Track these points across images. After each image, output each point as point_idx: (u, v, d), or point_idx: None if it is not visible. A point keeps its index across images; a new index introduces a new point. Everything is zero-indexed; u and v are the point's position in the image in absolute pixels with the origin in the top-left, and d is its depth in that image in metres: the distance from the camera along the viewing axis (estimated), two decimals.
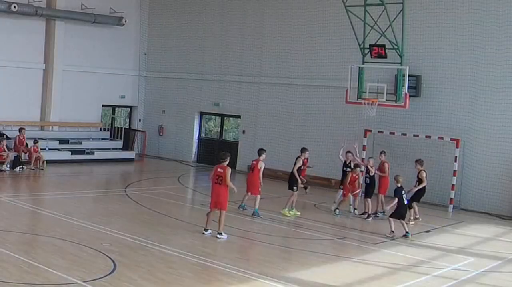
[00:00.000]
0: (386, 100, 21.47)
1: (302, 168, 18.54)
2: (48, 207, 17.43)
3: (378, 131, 22.99)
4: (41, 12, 26.49)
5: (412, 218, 18.12)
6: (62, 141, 27.37)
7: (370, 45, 21.87)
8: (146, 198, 19.64)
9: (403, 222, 16.18)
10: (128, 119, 31.96)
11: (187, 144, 29.94)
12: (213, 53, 28.90)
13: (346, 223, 18.13)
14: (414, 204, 18.26)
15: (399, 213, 16.09)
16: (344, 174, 19.36)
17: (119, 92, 30.59)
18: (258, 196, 17.78)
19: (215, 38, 28.82)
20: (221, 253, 13.81)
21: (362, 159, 21.38)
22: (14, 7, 25.27)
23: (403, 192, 16.15)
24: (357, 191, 18.49)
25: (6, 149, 23.47)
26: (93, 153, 27.52)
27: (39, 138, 25.12)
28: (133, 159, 28.90)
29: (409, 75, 21.31)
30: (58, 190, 20.84)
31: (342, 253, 14.42)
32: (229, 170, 14.59)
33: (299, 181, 18.34)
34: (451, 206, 21.23)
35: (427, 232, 17.43)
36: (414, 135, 22.14)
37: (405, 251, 14.90)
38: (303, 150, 18.89)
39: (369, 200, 18.30)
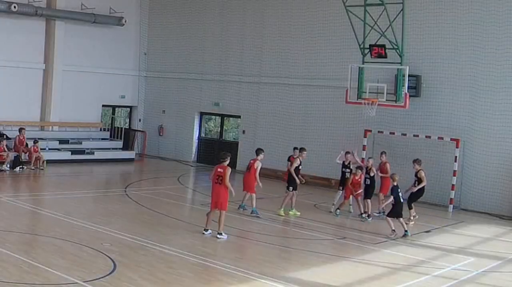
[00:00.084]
0: (386, 100, 21.47)
1: (300, 167, 18.43)
2: (48, 207, 17.43)
3: (378, 131, 22.99)
4: (41, 12, 26.49)
5: (412, 217, 18.13)
6: (62, 141, 27.37)
7: (370, 45, 21.87)
8: (146, 198, 19.65)
9: (402, 220, 16.19)
10: (128, 119, 31.97)
11: (187, 144, 29.95)
12: (213, 53, 28.90)
13: (346, 223, 18.14)
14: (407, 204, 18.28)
15: (396, 212, 16.11)
16: (343, 174, 19.31)
17: (119, 92, 30.60)
18: (254, 195, 17.80)
19: (215, 38, 28.82)
20: (221, 253, 13.81)
21: (362, 159, 21.38)
22: (14, 7, 25.27)
23: (399, 190, 16.16)
24: (359, 191, 18.36)
25: (6, 149, 23.47)
26: (93, 153, 27.53)
27: (39, 138, 25.12)
28: (133, 159, 28.91)
29: (409, 75, 21.31)
30: (58, 190, 20.84)
31: (342, 253, 14.42)
32: (229, 170, 14.59)
33: (297, 180, 18.28)
34: (451, 206, 21.23)
35: (427, 232, 17.43)
36: (414, 135, 22.14)
37: (405, 251, 14.90)
38: (302, 149, 18.81)
39: (369, 200, 18.27)
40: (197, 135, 30.06)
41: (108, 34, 29.51)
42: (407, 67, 21.21)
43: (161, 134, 30.62)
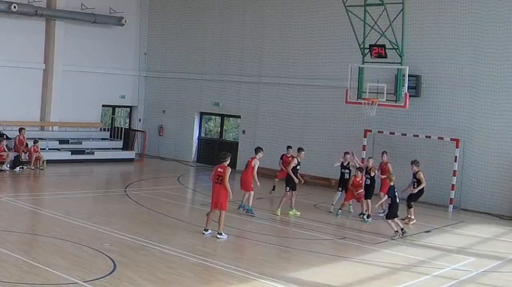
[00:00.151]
0: (386, 100, 21.46)
1: (297, 168, 18.39)
2: (48, 207, 17.43)
3: (378, 131, 22.99)
4: (41, 12, 26.49)
5: (412, 217, 18.13)
6: (62, 141, 27.37)
7: (370, 45, 21.86)
8: (146, 198, 19.64)
9: (397, 221, 16.20)
10: (128, 119, 31.97)
11: (187, 144, 29.95)
12: (213, 53, 28.90)
13: (346, 223, 18.14)
14: (406, 204, 18.28)
15: (393, 213, 16.08)
16: (342, 175, 19.25)
17: (119, 92, 30.60)
18: (252, 193, 17.83)
19: (215, 38, 28.82)
20: (221, 253, 13.81)
21: (362, 159, 21.38)
22: (14, 7, 25.27)
23: (396, 190, 16.16)
24: (360, 191, 18.29)
25: (6, 149, 23.47)
26: (93, 153, 27.53)
27: (39, 138, 25.12)
28: (133, 159, 28.91)
29: (409, 75, 21.30)
30: (58, 190, 20.84)
31: (342, 253, 14.42)
32: (229, 170, 14.59)
33: (296, 180, 18.20)
34: (451, 206, 21.23)
35: (427, 232, 17.43)
36: (414, 136, 22.14)
37: (405, 251, 14.90)
38: (300, 149, 18.77)
39: (369, 200, 18.25)
40: (197, 135, 30.06)
41: (108, 34, 29.51)
42: (407, 67, 21.21)
43: (161, 134, 30.62)
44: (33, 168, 23.86)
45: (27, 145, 24.45)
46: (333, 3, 23.70)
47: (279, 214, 18.02)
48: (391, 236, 15.98)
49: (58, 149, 26.71)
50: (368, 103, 21.57)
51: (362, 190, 18.27)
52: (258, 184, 17.80)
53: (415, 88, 22.13)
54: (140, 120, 31.52)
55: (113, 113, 31.35)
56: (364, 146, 22.94)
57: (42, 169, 23.94)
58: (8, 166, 23.30)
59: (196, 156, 29.90)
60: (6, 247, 12.31)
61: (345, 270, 13.01)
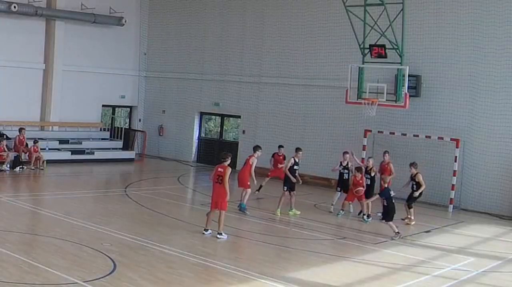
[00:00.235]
0: (386, 100, 21.46)
1: (295, 168, 18.38)
2: (48, 207, 17.43)
3: (378, 131, 22.99)
4: (41, 12, 26.49)
5: (412, 217, 18.12)
6: (62, 141, 27.38)
7: (370, 45, 21.86)
8: (146, 198, 19.64)
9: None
10: (128, 119, 31.97)
11: (187, 144, 29.95)
12: (213, 53, 28.90)
13: (346, 223, 18.13)
14: (407, 204, 18.28)
15: (391, 215, 16.05)
16: (341, 175, 19.18)
17: (119, 92, 30.60)
18: (248, 190, 17.89)
19: (215, 38, 28.82)
20: (221, 253, 13.82)
21: (362, 159, 21.37)
22: (14, 7, 25.27)
23: (390, 192, 16.15)
24: (358, 189, 18.22)
25: (6, 149, 23.47)
26: (93, 153, 27.53)
27: (39, 138, 25.12)
28: (133, 159, 28.91)
29: (409, 75, 21.30)
30: (58, 190, 20.85)
31: (342, 253, 14.42)
32: (229, 170, 14.59)
33: (292, 180, 18.15)
34: (451, 206, 21.23)
35: (427, 232, 17.43)
36: (414, 135, 22.14)
37: (405, 251, 14.90)
38: (297, 149, 18.76)
39: (369, 200, 18.23)
40: (197, 135, 30.06)
41: (108, 34, 29.51)
42: (407, 67, 21.21)
43: (161, 134, 30.62)
44: (33, 168, 23.86)
45: (27, 144, 24.46)
46: (333, 3, 23.70)
47: (279, 214, 18.01)
48: (391, 236, 15.98)
49: (58, 149, 26.71)
50: (368, 103, 21.57)
51: (361, 188, 18.18)
52: (255, 182, 17.94)
53: (415, 88, 22.14)
54: (140, 120, 31.52)
55: (113, 113, 31.35)
56: (364, 145, 22.94)
57: (42, 169, 23.94)
58: (8, 166, 23.30)
59: (196, 156, 29.90)
60: (6, 247, 12.31)
61: (345, 270, 13.01)
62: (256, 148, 18.30)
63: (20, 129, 24.82)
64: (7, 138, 24.59)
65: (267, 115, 26.90)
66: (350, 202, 18.95)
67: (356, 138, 23.31)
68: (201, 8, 29.37)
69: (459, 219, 19.92)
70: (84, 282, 10.52)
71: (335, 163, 20.08)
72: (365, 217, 18.11)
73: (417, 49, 22.31)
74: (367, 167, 18.81)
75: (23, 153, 24.07)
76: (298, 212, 18.30)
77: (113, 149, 28.83)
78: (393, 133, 22.58)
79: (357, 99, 22.02)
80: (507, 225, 19.48)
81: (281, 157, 20.19)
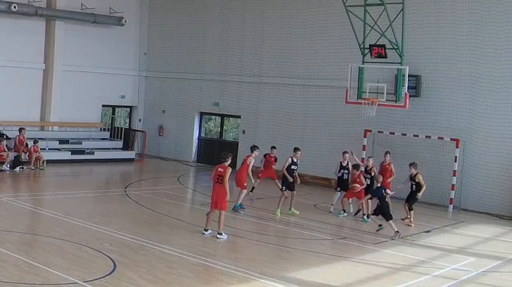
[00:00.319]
0: (386, 100, 21.45)
1: (293, 168, 18.36)
2: (48, 207, 17.44)
3: (378, 131, 22.99)
4: (41, 12, 26.49)
5: (412, 219, 18.10)
6: (62, 141, 27.38)
7: (370, 45, 21.86)
8: (146, 198, 19.65)
9: (375, 219, 16.34)
10: (128, 119, 31.97)
11: (187, 144, 29.95)
12: (213, 53, 28.90)
13: (346, 223, 18.13)
14: (406, 205, 18.28)
15: (388, 214, 16.06)
16: (341, 175, 19.15)
17: (119, 92, 30.60)
18: (244, 191, 17.91)
19: (215, 38, 28.83)
20: (221, 253, 13.82)
21: (362, 159, 21.36)
22: (14, 7, 25.27)
23: (383, 191, 16.15)
24: (354, 185, 18.18)
25: (6, 149, 23.47)
26: (93, 153, 27.53)
27: (39, 138, 25.12)
28: (133, 159, 28.91)
29: (409, 75, 21.30)
30: (58, 190, 20.85)
31: (342, 253, 14.42)
32: (229, 170, 14.60)
33: (289, 179, 18.12)
34: (451, 206, 21.23)
35: (427, 232, 17.44)
36: (414, 135, 22.14)
37: (405, 251, 14.90)
38: (296, 149, 18.73)
39: (369, 200, 18.22)
40: (197, 135, 30.07)
41: (108, 34, 29.51)
42: (407, 67, 21.20)
43: (161, 134, 30.62)
44: (33, 168, 23.86)
45: (27, 145, 24.46)
46: (333, 3, 23.70)
47: (279, 214, 18.01)
48: (391, 236, 15.98)
49: (58, 149, 26.71)
50: (368, 103, 21.57)
51: (357, 185, 18.11)
52: (253, 181, 18.03)
53: (415, 88, 22.13)
54: (140, 120, 31.52)
55: (113, 113, 31.35)
56: (364, 145, 22.94)
57: (42, 169, 23.94)
58: (8, 166, 23.30)
59: (196, 156, 29.90)
60: (6, 247, 12.31)
61: (345, 270, 13.01)
62: (253, 148, 18.33)
63: (20, 129, 24.83)
64: (7, 138, 24.59)
65: (267, 115, 26.90)
66: (350, 201, 18.92)
67: (356, 138, 23.31)
68: (201, 8, 29.37)
69: (459, 219, 19.92)
70: (84, 282, 10.52)
71: (335, 162, 20.04)
72: (365, 217, 18.11)
73: (417, 49, 22.31)
74: (367, 166, 18.80)
75: (23, 153, 24.07)
76: (297, 212, 18.29)
77: (113, 149, 28.84)
78: (393, 133, 22.58)
79: (357, 99, 22.02)
80: (507, 225, 19.48)
81: (272, 158, 20.20)
